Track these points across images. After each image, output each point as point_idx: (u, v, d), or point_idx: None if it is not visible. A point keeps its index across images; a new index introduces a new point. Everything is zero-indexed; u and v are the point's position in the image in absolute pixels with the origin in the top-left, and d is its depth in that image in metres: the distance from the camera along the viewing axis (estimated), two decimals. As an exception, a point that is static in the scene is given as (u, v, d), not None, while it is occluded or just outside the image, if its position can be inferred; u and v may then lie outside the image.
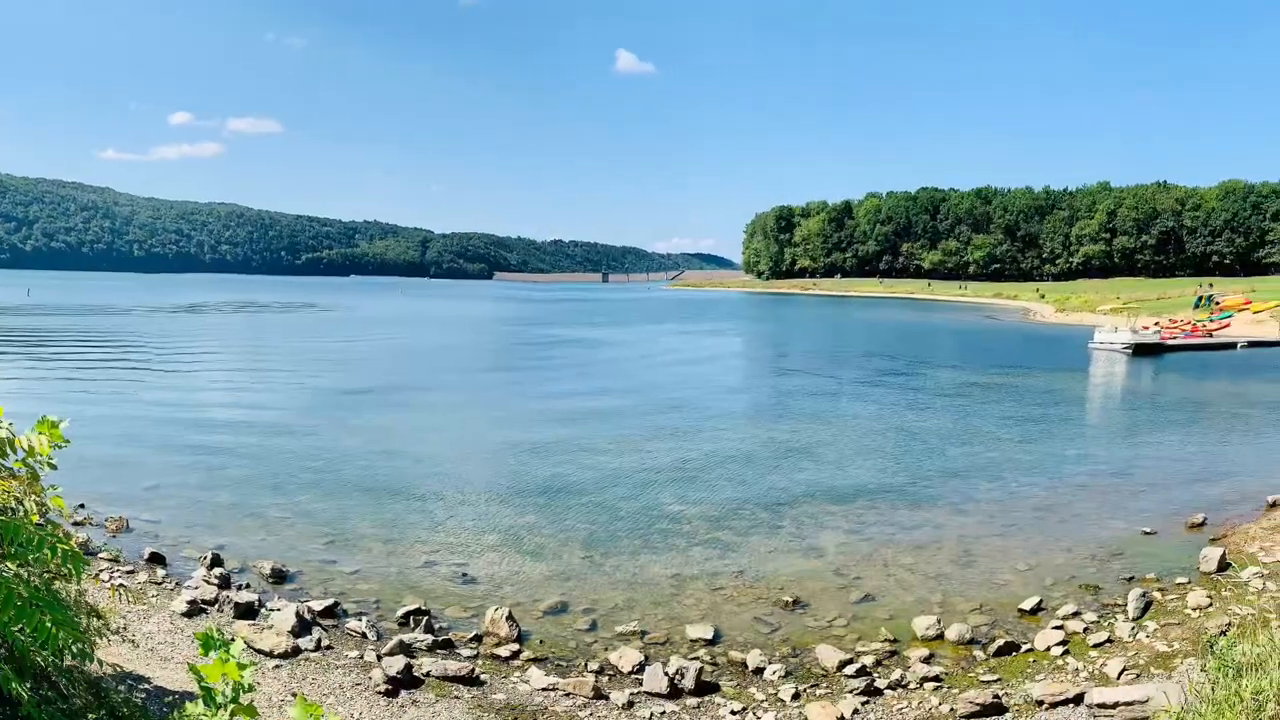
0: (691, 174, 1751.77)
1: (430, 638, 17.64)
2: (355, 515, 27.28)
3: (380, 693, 14.97)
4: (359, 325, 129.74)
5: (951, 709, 14.99)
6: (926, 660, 17.28)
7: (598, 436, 40.87)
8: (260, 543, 24.41)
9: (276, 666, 15.75)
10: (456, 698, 15.18)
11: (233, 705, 3.70)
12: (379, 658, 16.28)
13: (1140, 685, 14.70)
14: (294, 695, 14.21)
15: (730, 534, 25.97)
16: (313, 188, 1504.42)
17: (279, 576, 21.47)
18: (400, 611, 19.01)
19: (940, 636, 18.38)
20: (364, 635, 17.84)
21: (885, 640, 18.36)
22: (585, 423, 44.79)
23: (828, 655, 17.20)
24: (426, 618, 18.70)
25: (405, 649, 16.75)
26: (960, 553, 24.31)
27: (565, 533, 25.99)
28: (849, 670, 16.67)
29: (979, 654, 17.68)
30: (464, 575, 22.12)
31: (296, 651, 16.43)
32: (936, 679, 16.35)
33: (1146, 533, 26.11)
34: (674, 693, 15.60)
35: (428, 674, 15.79)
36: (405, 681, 15.35)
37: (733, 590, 21.35)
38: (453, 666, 16.01)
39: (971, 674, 16.73)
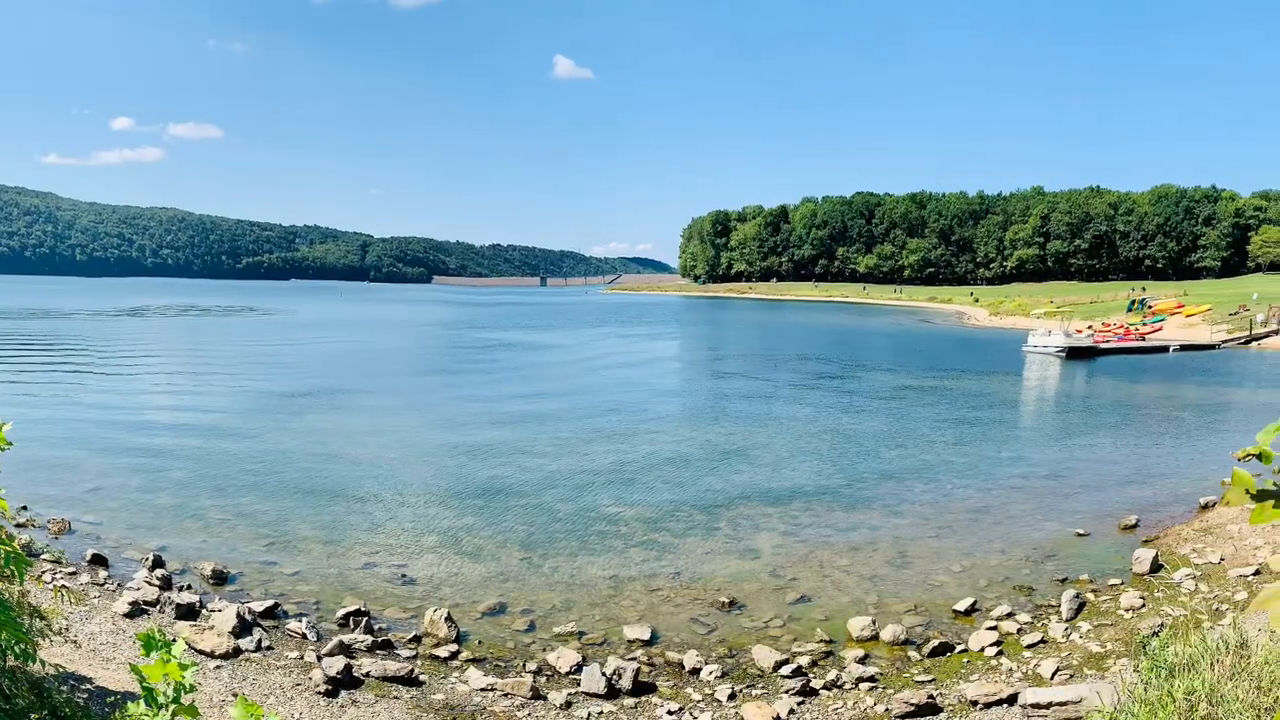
0: (629, 179, 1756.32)
1: (370, 638, 17.71)
2: (295, 517, 27.34)
3: (320, 693, 15.03)
4: (299, 329, 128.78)
5: (886, 709, 15.19)
6: (862, 661, 17.51)
7: (536, 439, 40.95)
8: (201, 544, 24.44)
9: (217, 667, 15.84)
10: (396, 698, 15.26)
11: (174, 705, 3.72)
12: (319, 658, 16.38)
13: (1074, 685, 14.94)
14: (235, 695, 14.21)
15: (667, 536, 26.16)
16: (253, 192, 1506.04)
17: (220, 578, 21.53)
18: (340, 612, 19.10)
19: (875, 637, 18.61)
20: (304, 636, 17.93)
21: (821, 641, 18.60)
22: (524, 425, 44.80)
23: (764, 656, 17.37)
24: (366, 619, 18.79)
25: (345, 649, 16.83)
26: (895, 554, 24.58)
27: (504, 534, 26.12)
28: (785, 671, 16.87)
29: (914, 654, 17.92)
30: (403, 576, 22.21)
31: (237, 652, 16.52)
32: (872, 679, 16.57)
33: (1080, 534, 26.51)
34: (611, 693, 15.75)
35: (367, 674, 15.88)
36: (345, 682, 15.43)
37: (670, 591, 21.52)
38: (392, 667, 16.09)
39: (906, 674, 16.97)
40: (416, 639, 18.19)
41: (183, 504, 28.53)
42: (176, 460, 34.68)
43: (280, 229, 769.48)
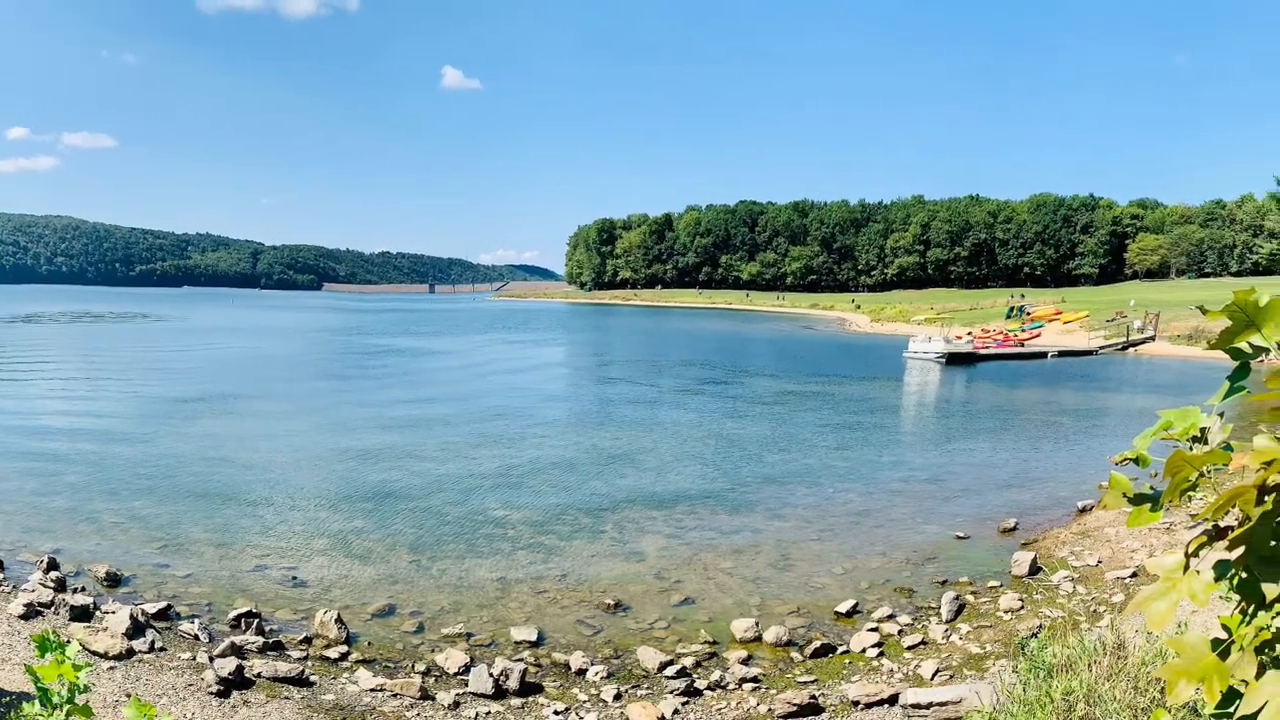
0: (516, 188, 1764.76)
1: (261, 640, 17.89)
2: (188, 520, 27.39)
3: (212, 693, 15.22)
4: (191, 334, 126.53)
5: (769, 709, 15.46)
6: (745, 661, 17.83)
7: (424, 443, 41.00)
8: (95, 547, 24.47)
9: (111, 668, 15.99)
10: (287, 698, 15.43)
11: (68, 706, 3.77)
12: (211, 659, 16.53)
13: (953, 686, 15.31)
14: (128, 696, 14.16)
15: (554, 538, 26.48)
16: (147, 201, 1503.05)
17: (114, 580, 21.65)
18: (232, 614, 19.35)
19: (758, 638, 18.93)
20: (196, 637, 18.17)
21: (705, 642, 18.93)
22: (412, 430, 44.82)
23: (649, 657, 17.64)
24: (257, 620, 19.01)
25: (237, 650, 17.01)
26: (778, 557, 24.95)
27: (393, 537, 26.32)
28: (669, 671, 17.18)
29: (796, 655, 18.27)
30: (294, 579, 22.40)
31: (130, 653, 16.72)
32: (755, 680, 16.88)
33: (960, 537, 27.09)
34: (499, 693, 16.01)
35: (259, 675, 16.07)
36: (237, 682, 15.66)
37: (556, 593, 21.81)
38: (283, 668, 16.29)
39: (789, 675, 17.28)
40: (307, 640, 18.43)
41: (77, 507, 28.48)
42: (71, 464, 34.52)
43: (173, 237, 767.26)
